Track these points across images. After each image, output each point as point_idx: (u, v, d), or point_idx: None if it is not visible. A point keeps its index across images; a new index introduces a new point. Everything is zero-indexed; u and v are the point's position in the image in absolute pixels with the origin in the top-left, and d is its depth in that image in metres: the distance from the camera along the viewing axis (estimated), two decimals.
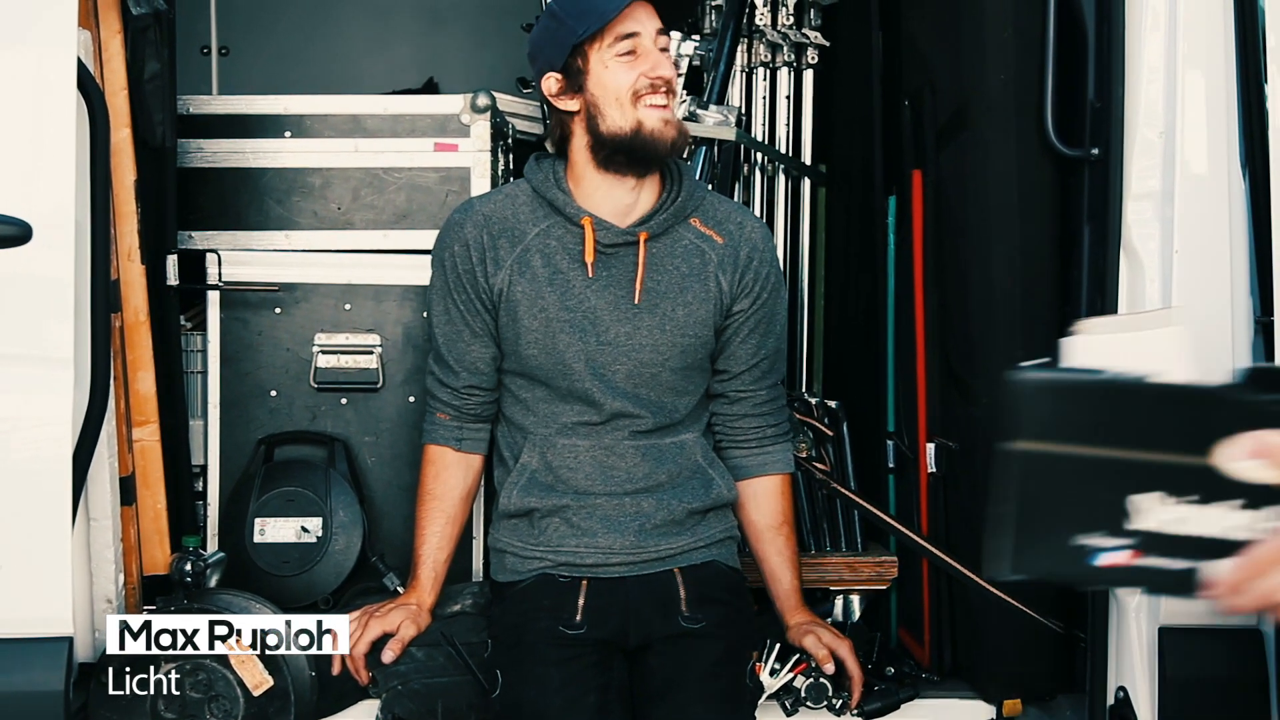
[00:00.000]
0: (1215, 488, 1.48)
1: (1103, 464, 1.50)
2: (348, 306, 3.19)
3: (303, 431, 3.19)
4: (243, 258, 3.18)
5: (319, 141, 3.26)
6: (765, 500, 2.86)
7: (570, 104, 2.69)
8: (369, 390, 3.19)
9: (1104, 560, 1.49)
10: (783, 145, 3.74)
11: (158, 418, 2.93)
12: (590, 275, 2.67)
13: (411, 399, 3.19)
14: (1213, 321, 2.63)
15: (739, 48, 3.65)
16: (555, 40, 2.66)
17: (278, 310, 3.19)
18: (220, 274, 3.15)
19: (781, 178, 3.76)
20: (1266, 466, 1.46)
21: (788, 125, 3.76)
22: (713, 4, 3.62)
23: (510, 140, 3.47)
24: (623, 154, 2.65)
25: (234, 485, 3.15)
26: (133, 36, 2.86)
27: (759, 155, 3.73)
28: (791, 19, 3.69)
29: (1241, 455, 1.47)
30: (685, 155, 3.20)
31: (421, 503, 2.83)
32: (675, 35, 3.15)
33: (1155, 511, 1.49)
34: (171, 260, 3.07)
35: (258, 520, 3.10)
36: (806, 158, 3.77)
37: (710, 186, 3.32)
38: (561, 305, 2.67)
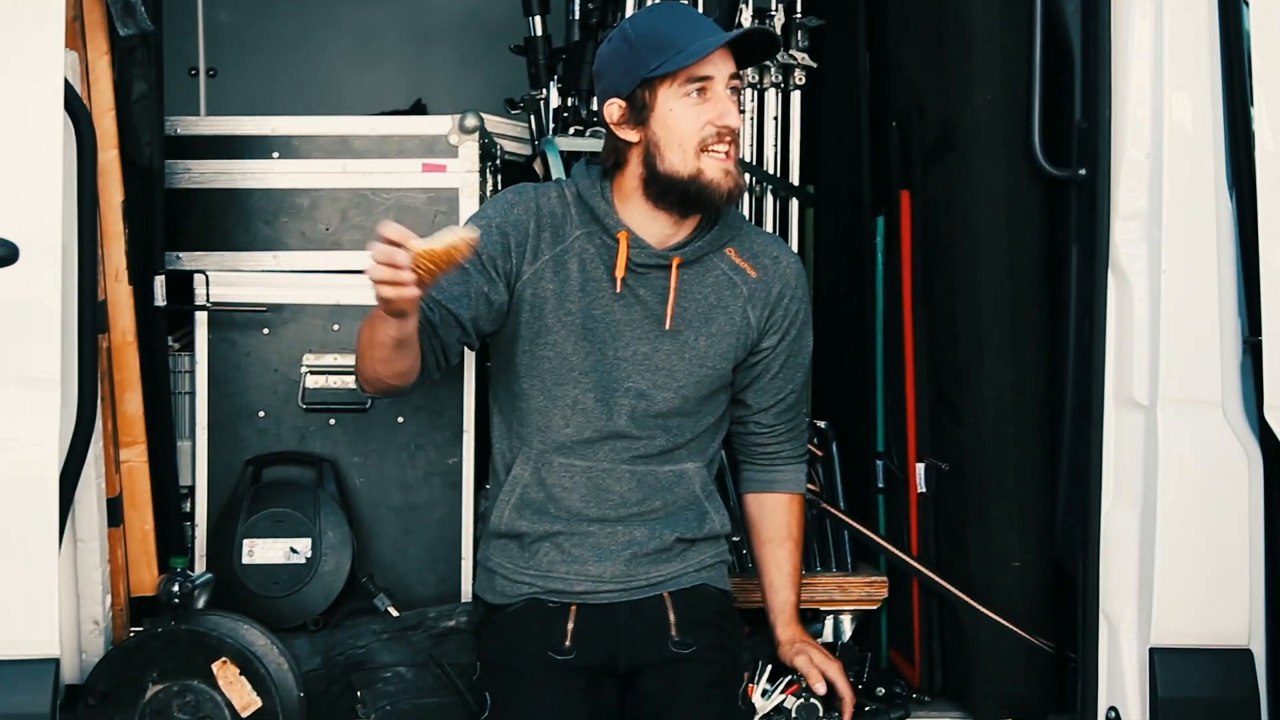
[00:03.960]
0: None
1: None
2: (336, 327, 3.18)
3: (291, 452, 3.17)
4: (230, 278, 3.17)
5: (307, 162, 3.25)
6: (771, 513, 2.85)
7: (630, 135, 2.61)
8: (357, 411, 3.17)
9: None
10: (770, 166, 3.74)
11: (145, 439, 2.92)
12: (618, 290, 2.65)
13: (400, 419, 3.17)
14: (1201, 341, 2.64)
15: None
16: (625, 67, 2.59)
17: (265, 331, 3.18)
18: (208, 295, 3.13)
19: (770, 198, 3.77)
20: None
21: (776, 146, 3.76)
22: None
23: (498, 161, 3.48)
24: (676, 196, 2.60)
25: (222, 506, 3.14)
26: (120, 57, 2.86)
27: (748, 175, 3.74)
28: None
29: None
30: None
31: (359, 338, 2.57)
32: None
33: None
34: (159, 281, 3.06)
35: (246, 541, 3.08)
36: (794, 178, 3.77)
37: None
38: (587, 314, 2.64)
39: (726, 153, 2.57)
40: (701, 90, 2.56)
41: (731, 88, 2.59)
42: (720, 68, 2.57)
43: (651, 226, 2.65)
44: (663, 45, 2.55)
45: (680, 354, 2.66)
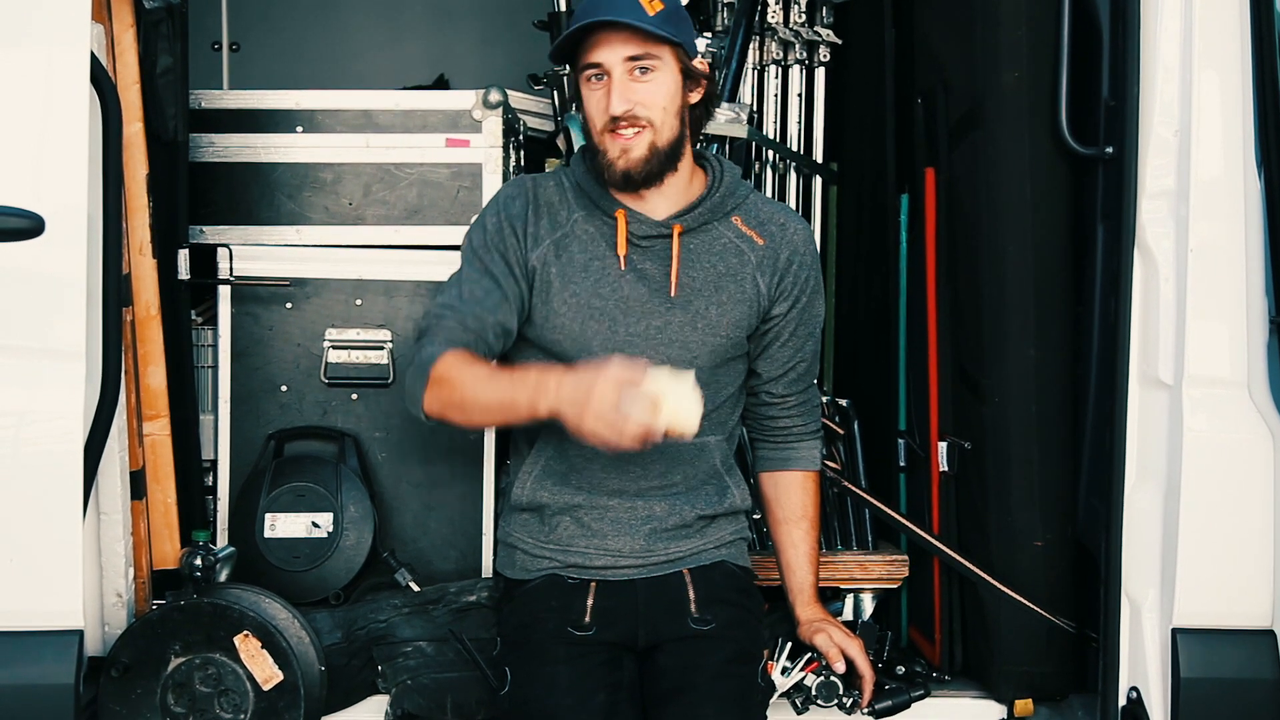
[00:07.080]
0: None
1: None
2: (359, 302, 3.18)
3: (313, 427, 3.19)
4: (254, 253, 3.18)
5: (330, 137, 3.26)
6: (786, 493, 2.84)
7: (582, 112, 2.66)
8: (379, 386, 3.18)
9: None
10: (794, 143, 3.73)
11: (168, 412, 2.93)
12: (623, 267, 2.66)
13: None
14: (1227, 321, 2.63)
15: (751, 45, 3.63)
16: None
17: (289, 305, 3.18)
18: (231, 269, 3.14)
19: (793, 176, 3.75)
20: None
21: (799, 123, 3.74)
22: (724, 1, 3.61)
23: (521, 137, 3.47)
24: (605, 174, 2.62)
25: (244, 480, 3.15)
26: (145, 30, 2.87)
27: (770, 153, 3.72)
28: (804, 17, 3.68)
29: None
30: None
31: (463, 382, 2.56)
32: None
33: None
34: (183, 255, 3.06)
35: (268, 515, 3.09)
36: (818, 156, 3.76)
37: None
38: (593, 293, 2.64)
39: (625, 135, 2.55)
40: (598, 77, 2.56)
41: (639, 67, 2.54)
42: (612, 53, 2.53)
43: (638, 203, 2.65)
44: (572, 24, 2.56)
45: (692, 324, 2.65)
